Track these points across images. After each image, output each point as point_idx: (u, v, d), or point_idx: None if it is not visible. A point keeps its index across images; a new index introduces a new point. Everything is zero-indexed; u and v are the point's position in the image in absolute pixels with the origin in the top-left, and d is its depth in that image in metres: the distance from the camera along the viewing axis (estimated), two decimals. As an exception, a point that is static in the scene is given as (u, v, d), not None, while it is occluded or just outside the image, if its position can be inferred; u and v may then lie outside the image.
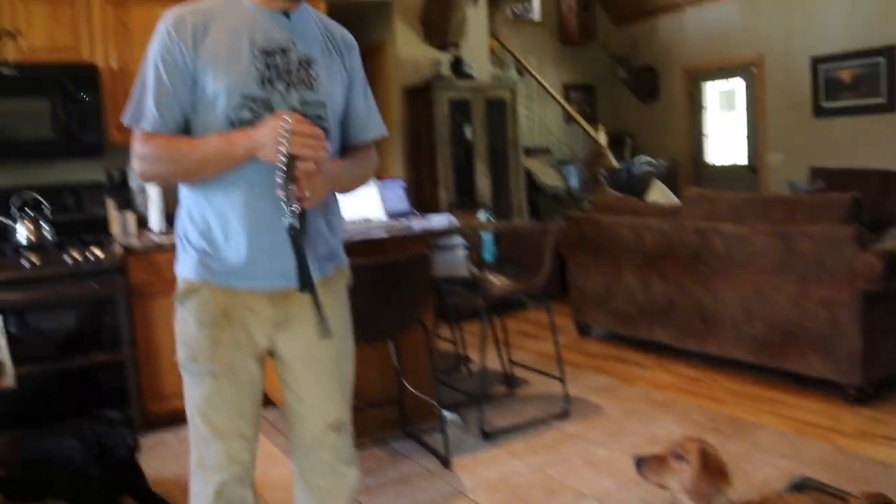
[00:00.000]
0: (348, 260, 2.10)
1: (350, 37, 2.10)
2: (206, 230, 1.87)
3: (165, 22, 1.84)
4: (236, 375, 1.90)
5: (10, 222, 4.04)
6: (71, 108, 4.05)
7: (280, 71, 1.85)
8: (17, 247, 3.88)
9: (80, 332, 3.78)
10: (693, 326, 4.70)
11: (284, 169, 1.70)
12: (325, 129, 1.88)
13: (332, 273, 2.01)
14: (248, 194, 1.83)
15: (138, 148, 1.85)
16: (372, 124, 2.14)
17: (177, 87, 1.82)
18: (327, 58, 1.97)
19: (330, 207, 2.00)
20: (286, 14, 1.91)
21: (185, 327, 1.91)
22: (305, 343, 1.96)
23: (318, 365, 1.99)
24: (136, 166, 1.87)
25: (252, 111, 1.81)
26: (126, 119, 1.86)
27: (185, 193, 1.93)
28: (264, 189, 1.79)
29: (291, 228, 1.74)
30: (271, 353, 1.98)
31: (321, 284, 1.90)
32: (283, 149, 1.69)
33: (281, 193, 1.71)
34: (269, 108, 1.82)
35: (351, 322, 2.10)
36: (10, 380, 3.42)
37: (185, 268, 1.92)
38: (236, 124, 1.80)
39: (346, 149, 2.06)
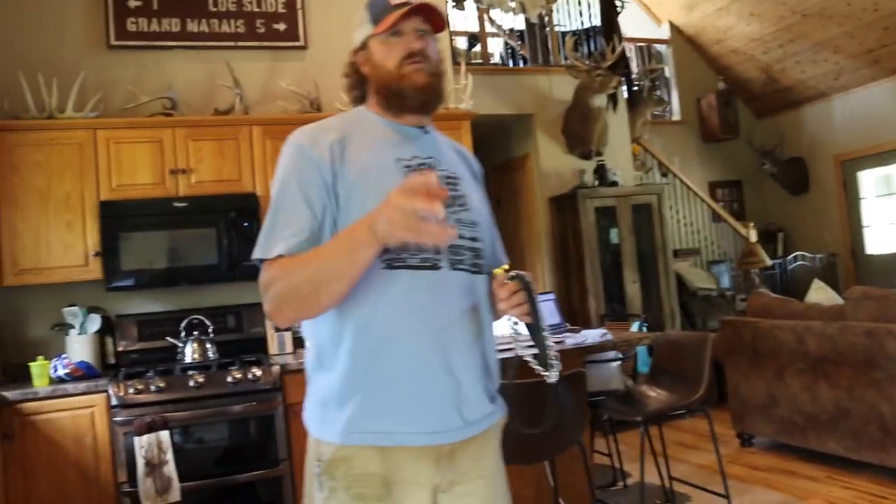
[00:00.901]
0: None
1: (477, 161, 1.96)
2: (356, 378, 1.59)
3: (296, 140, 1.68)
4: None
5: (179, 343, 4.27)
6: (233, 235, 4.29)
7: None
8: (184, 366, 4.08)
9: (239, 447, 3.88)
10: (870, 436, 4.35)
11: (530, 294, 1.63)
12: (479, 251, 1.73)
13: (497, 420, 1.77)
14: (403, 332, 1.59)
15: (263, 277, 1.58)
16: (502, 254, 1.94)
17: (316, 207, 1.60)
18: (470, 177, 1.84)
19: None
20: (423, 129, 1.77)
21: (335, 499, 1.60)
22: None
23: None
24: (264, 304, 1.58)
25: None
26: (256, 253, 1.60)
27: (324, 334, 1.65)
28: (423, 324, 1.60)
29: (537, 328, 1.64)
30: None
31: (486, 434, 1.71)
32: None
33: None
34: None
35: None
36: (176, 494, 3.56)
37: (326, 429, 1.62)
38: (392, 250, 1.56)
39: None
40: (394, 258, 1.58)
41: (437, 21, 1.75)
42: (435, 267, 1.62)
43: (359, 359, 1.59)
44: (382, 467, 1.58)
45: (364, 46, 1.77)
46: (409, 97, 1.69)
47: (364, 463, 1.58)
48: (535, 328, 1.67)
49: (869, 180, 8.93)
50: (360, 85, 1.81)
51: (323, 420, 1.64)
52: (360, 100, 1.83)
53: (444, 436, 1.61)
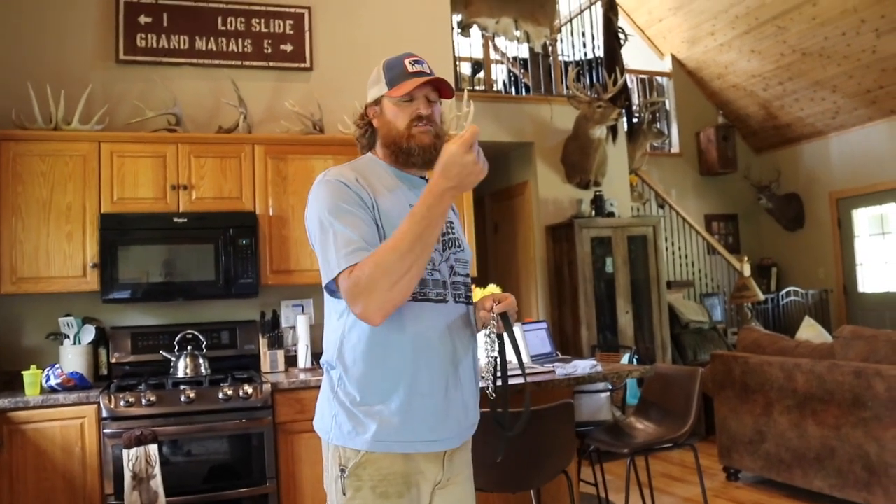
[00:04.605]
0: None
1: None
2: (383, 395, 1.82)
3: (332, 176, 1.87)
4: None
5: (172, 357, 4.29)
6: (231, 252, 4.33)
7: None
8: (176, 381, 4.09)
9: (227, 464, 3.90)
10: (856, 475, 4.38)
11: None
12: (469, 285, 2.04)
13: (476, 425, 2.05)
14: (426, 355, 1.83)
15: (348, 286, 1.71)
16: None
17: (371, 223, 1.80)
18: (456, 219, 2.09)
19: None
20: (423, 178, 2.01)
21: (359, 498, 1.82)
22: (456, 501, 1.96)
23: None
24: (358, 309, 1.71)
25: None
26: (331, 273, 1.77)
27: (350, 358, 1.86)
28: (441, 348, 1.86)
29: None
30: None
31: (464, 445, 2.00)
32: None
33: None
34: (433, 266, 1.87)
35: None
36: (163, 508, 3.57)
37: (354, 438, 1.83)
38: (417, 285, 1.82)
39: None
40: (418, 292, 1.82)
41: (445, 91, 1.99)
42: (444, 300, 1.90)
43: (393, 377, 1.82)
44: (403, 468, 1.83)
45: (377, 103, 1.99)
46: (415, 154, 1.93)
47: (390, 464, 1.82)
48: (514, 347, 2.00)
49: (863, 219, 9.01)
50: (369, 134, 2.04)
51: (349, 430, 1.84)
52: (367, 147, 2.07)
53: (453, 441, 1.90)
